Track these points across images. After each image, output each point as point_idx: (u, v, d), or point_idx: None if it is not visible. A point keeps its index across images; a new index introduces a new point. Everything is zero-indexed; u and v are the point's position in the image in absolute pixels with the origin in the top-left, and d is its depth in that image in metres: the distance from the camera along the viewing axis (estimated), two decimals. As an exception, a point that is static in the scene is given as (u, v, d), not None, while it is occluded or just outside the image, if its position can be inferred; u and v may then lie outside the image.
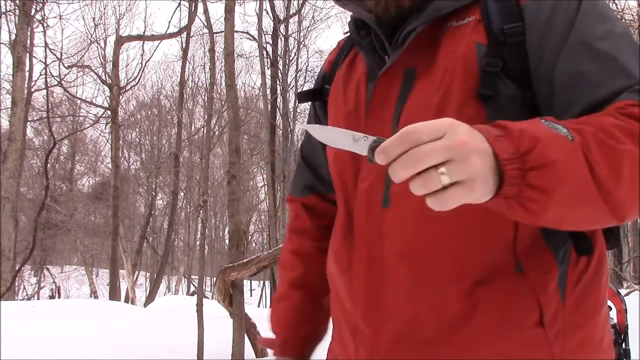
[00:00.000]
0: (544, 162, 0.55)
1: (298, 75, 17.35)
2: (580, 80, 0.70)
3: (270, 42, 16.07)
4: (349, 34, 0.94)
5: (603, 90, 0.68)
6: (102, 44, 17.09)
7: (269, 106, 14.93)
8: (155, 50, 32.45)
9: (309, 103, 1.06)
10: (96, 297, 17.83)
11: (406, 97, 0.80)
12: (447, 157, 0.51)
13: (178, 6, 15.31)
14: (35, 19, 12.57)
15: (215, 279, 5.49)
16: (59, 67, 14.49)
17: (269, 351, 5.71)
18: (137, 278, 18.76)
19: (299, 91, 1.08)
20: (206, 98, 15.15)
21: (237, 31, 12.95)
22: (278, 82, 15.64)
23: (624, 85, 0.67)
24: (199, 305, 5.09)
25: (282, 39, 16.59)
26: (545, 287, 0.72)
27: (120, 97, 15.90)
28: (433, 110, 0.76)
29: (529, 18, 0.74)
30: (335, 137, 0.62)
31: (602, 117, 0.64)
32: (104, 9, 17.16)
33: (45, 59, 13.57)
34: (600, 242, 0.78)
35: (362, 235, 0.82)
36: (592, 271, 0.76)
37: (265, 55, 15.28)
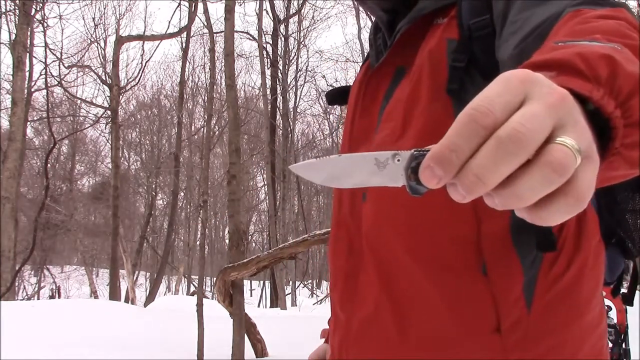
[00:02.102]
0: (633, 87, 0.41)
1: (298, 75, 17.37)
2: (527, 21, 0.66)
3: (270, 42, 16.08)
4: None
5: (547, 12, 0.62)
6: (102, 44, 17.13)
7: (269, 106, 14.94)
8: (155, 50, 32.54)
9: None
10: (96, 297, 17.82)
11: (392, 94, 0.82)
12: (553, 124, 0.33)
13: (178, 6, 15.36)
14: (35, 19, 12.58)
15: (215, 279, 5.49)
16: (59, 67, 14.53)
17: (269, 351, 5.67)
18: (137, 278, 18.75)
19: (326, 92, 1.06)
20: (206, 98, 15.16)
21: (237, 31, 12.96)
22: (278, 82, 15.64)
23: (566, 3, 0.61)
24: (199, 305, 5.08)
25: (282, 39, 16.60)
26: (506, 294, 0.70)
27: (120, 97, 15.91)
28: (403, 106, 0.77)
29: (495, 9, 0.74)
30: (344, 172, 0.39)
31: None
32: (104, 9, 17.21)
33: (45, 59, 13.59)
34: (587, 246, 0.74)
35: (346, 226, 0.86)
36: (572, 277, 0.72)
37: (265, 55, 15.29)
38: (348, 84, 1.01)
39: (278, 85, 15.63)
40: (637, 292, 0.92)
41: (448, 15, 0.77)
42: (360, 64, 1.02)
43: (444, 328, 0.72)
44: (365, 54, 1.00)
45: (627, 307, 2.91)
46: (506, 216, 0.71)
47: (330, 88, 1.07)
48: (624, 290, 0.91)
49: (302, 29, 17.56)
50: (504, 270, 0.71)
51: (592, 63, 0.41)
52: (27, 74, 12.70)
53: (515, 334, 0.71)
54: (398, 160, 0.38)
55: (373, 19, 0.93)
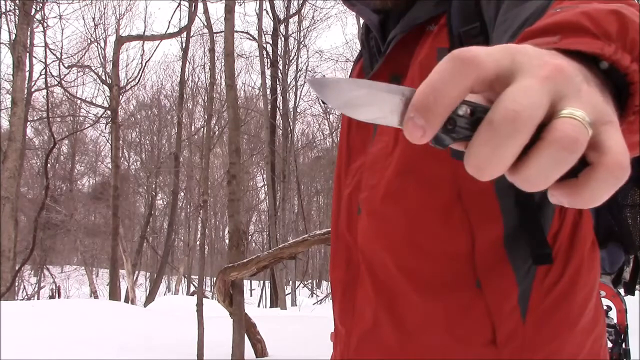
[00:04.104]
0: None
1: (298, 75, 17.36)
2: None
3: (270, 42, 16.08)
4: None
5: (536, 4, 0.58)
6: (102, 44, 17.13)
7: (269, 106, 14.93)
8: (155, 50, 32.41)
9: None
10: (96, 297, 17.83)
11: None
12: (550, 98, 0.30)
13: (178, 6, 15.34)
14: (35, 19, 12.57)
15: (215, 279, 5.49)
16: (59, 67, 14.49)
17: (269, 351, 5.67)
18: (137, 278, 18.76)
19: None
20: (206, 98, 15.16)
21: (237, 31, 12.96)
22: (278, 82, 15.64)
23: None
24: (199, 305, 5.09)
25: (282, 39, 16.60)
26: (501, 305, 0.70)
27: (120, 97, 15.90)
28: None
29: (486, 16, 0.71)
30: (365, 101, 0.34)
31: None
32: (104, 9, 17.20)
33: (45, 59, 13.57)
34: (580, 250, 0.74)
35: (344, 239, 0.85)
36: (566, 284, 0.72)
37: (265, 55, 15.29)
38: None
39: (278, 85, 15.63)
40: (638, 285, 0.92)
41: (439, 23, 0.76)
42: None
43: (444, 341, 0.72)
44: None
45: (627, 307, 2.90)
46: (500, 227, 0.70)
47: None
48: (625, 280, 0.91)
49: (302, 29, 17.56)
50: (498, 283, 0.71)
51: (599, 19, 0.38)
52: (27, 74, 12.69)
53: (511, 345, 0.70)
54: None
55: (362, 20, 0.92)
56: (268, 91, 14.99)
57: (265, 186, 19.17)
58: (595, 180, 0.30)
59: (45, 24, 13.53)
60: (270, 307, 14.61)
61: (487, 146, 0.29)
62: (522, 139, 0.29)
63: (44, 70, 13.51)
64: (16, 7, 11.49)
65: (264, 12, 15.22)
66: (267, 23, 16.23)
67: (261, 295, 20.62)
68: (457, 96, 0.30)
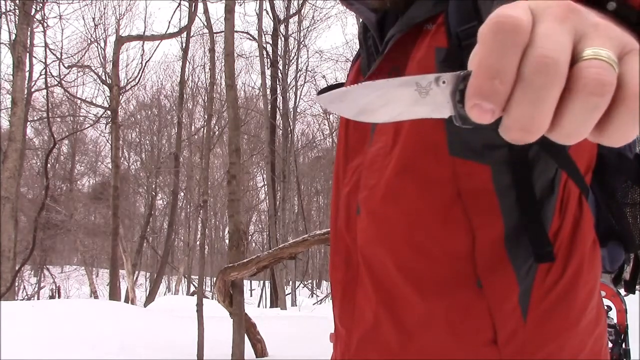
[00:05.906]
0: None
1: (298, 75, 17.38)
2: None
3: (270, 42, 16.08)
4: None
5: None
6: (102, 44, 17.14)
7: (269, 106, 14.94)
8: (155, 50, 32.45)
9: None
10: (96, 297, 17.84)
11: None
12: (572, 39, 0.30)
13: (178, 6, 15.34)
14: (35, 19, 12.58)
15: (215, 279, 5.50)
16: (59, 67, 14.49)
17: (269, 351, 5.67)
18: (137, 278, 18.76)
19: (320, 89, 1.02)
20: (206, 98, 15.17)
21: (237, 31, 12.96)
22: (278, 82, 15.65)
23: None
24: (199, 305, 5.09)
25: (282, 39, 16.60)
26: (502, 305, 0.70)
27: (120, 97, 15.90)
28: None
29: (483, 15, 0.69)
30: (380, 102, 0.33)
31: None
32: (104, 9, 17.21)
33: (45, 59, 13.58)
34: (580, 251, 0.73)
35: (343, 239, 0.85)
36: (566, 283, 0.71)
37: (265, 55, 15.30)
38: (342, 82, 0.99)
39: (278, 85, 15.64)
40: (638, 284, 0.91)
41: (436, 22, 0.75)
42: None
43: (444, 341, 0.72)
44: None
45: (627, 307, 2.90)
46: (500, 226, 0.70)
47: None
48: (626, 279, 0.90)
49: (302, 29, 17.57)
50: (499, 282, 0.70)
51: None
52: (27, 74, 12.70)
53: (512, 345, 0.70)
54: (443, 83, 0.32)
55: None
56: (268, 91, 15.00)
57: (265, 186, 19.18)
58: (616, 119, 0.29)
59: (45, 24, 13.53)
60: (270, 307, 14.62)
61: (525, 104, 0.29)
62: (557, 85, 0.29)
63: (44, 70, 13.52)
64: (16, 7, 11.49)
65: (264, 12, 15.25)
66: (267, 23, 16.26)
67: (261, 295, 20.63)
68: (516, 67, 0.29)
